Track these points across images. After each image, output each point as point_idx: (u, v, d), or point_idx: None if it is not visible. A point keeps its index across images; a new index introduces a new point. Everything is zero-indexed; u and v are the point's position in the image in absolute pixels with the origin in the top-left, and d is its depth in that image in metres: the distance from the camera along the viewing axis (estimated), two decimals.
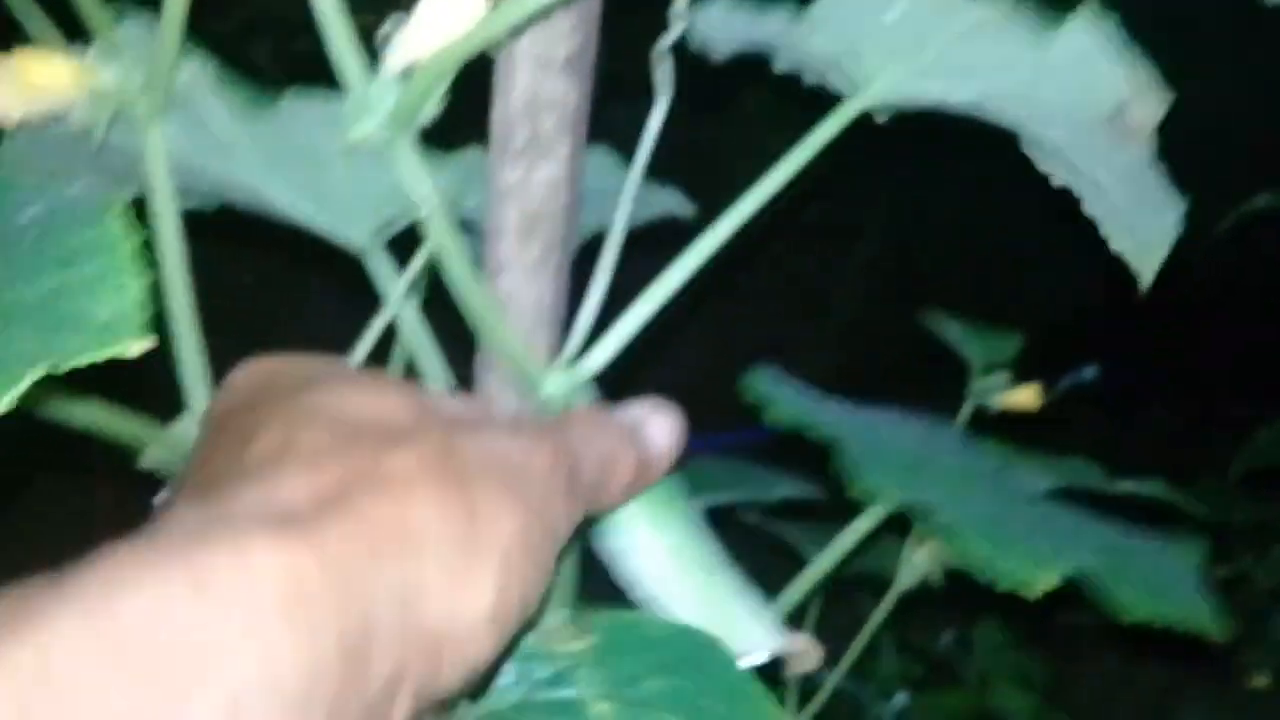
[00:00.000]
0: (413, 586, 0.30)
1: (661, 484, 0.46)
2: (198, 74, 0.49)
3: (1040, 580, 0.46)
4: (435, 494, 0.32)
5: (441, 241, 0.45)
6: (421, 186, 0.45)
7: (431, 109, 0.44)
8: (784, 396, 0.57)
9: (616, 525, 0.46)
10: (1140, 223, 0.47)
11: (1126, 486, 0.80)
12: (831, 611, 0.93)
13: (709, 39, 0.56)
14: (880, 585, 0.93)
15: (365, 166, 0.52)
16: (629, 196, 0.48)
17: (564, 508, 0.37)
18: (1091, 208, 0.50)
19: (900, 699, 1.31)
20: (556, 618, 0.48)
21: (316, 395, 0.36)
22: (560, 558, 0.37)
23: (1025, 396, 0.88)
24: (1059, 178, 0.50)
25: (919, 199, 2.12)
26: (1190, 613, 0.49)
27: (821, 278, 2.20)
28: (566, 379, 0.47)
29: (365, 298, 0.56)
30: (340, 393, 0.37)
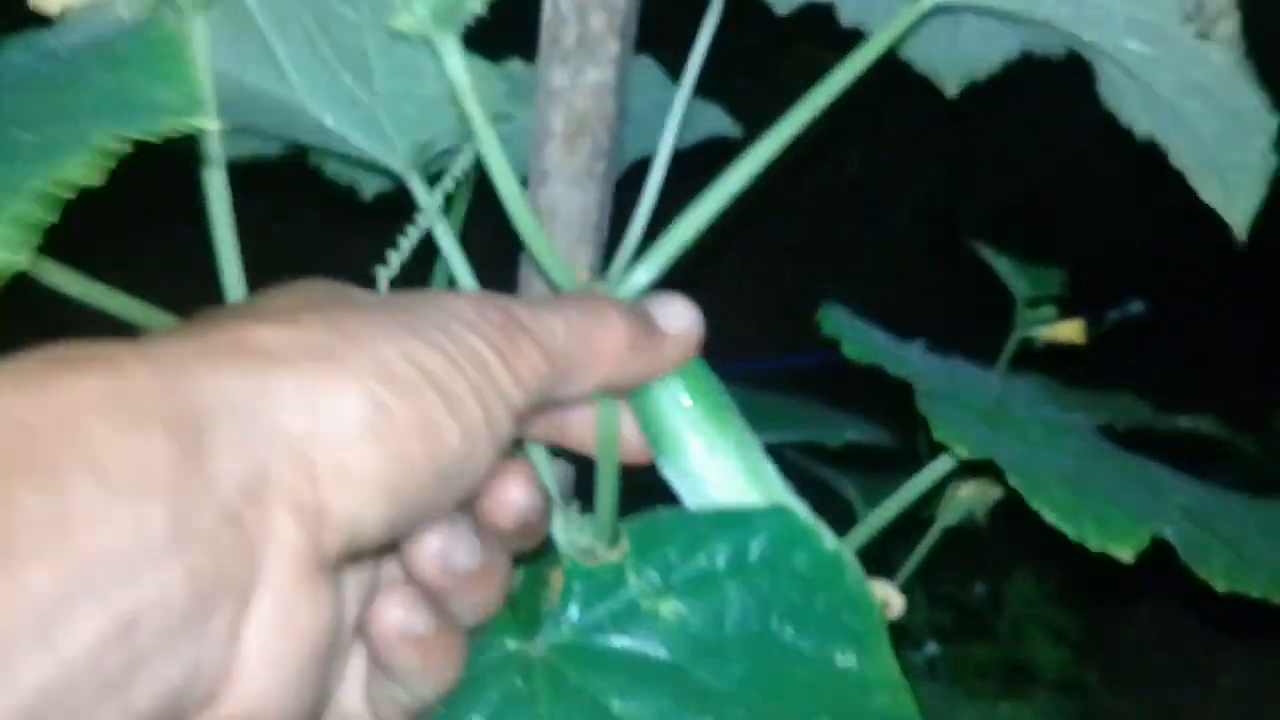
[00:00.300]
0: (259, 391, 0.30)
1: (714, 402, 0.44)
2: None
3: (1131, 542, 0.43)
4: (294, 317, 0.32)
5: (486, 145, 0.44)
6: (466, 83, 0.43)
7: (476, 4, 0.43)
8: (860, 333, 0.55)
9: (672, 447, 0.45)
10: (1227, 158, 0.45)
11: (1179, 423, 0.79)
12: (860, 556, 0.92)
13: None
14: (913, 528, 0.92)
15: (406, 78, 0.51)
16: (680, 105, 0.47)
17: (491, 351, 0.34)
18: (1174, 152, 0.47)
19: (930, 648, 1.30)
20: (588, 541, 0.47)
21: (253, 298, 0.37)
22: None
23: (1071, 330, 0.87)
24: (1139, 119, 0.48)
25: (963, 150, 2.09)
26: None
27: (867, 228, 2.18)
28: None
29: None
30: (273, 290, 0.36)
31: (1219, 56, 0.42)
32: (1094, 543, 0.43)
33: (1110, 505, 0.44)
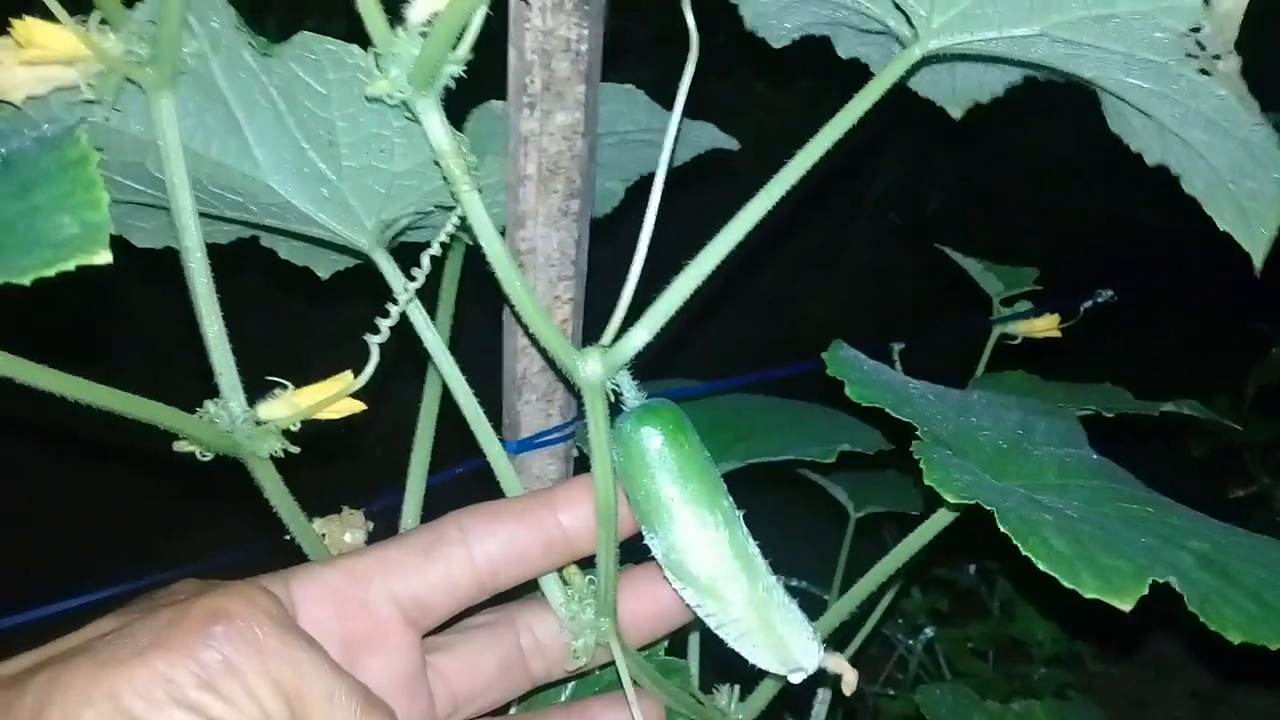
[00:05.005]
0: None
1: (705, 479, 0.44)
2: (211, 28, 0.46)
3: (1130, 590, 0.41)
4: None
5: (470, 207, 0.43)
6: (448, 146, 0.42)
7: (455, 66, 0.42)
8: (863, 375, 0.53)
9: (659, 521, 0.44)
10: (1240, 188, 0.44)
11: (1166, 407, 0.79)
12: (857, 547, 0.94)
13: (760, 22, 0.54)
14: (903, 519, 0.92)
15: (372, 155, 0.50)
16: (670, 137, 0.45)
17: None
18: (1187, 182, 0.46)
19: (927, 632, 1.31)
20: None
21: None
22: None
23: (1046, 324, 0.88)
24: (1150, 151, 0.47)
25: (927, 148, 2.10)
26: None
27: (831, 227, 2.19)
28: (606, 363, 0.43)
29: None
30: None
31: (1223, 91, 0.42)
32: (1090, 590, 0.41)
33: (1111, 553, 0.43)
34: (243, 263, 0.59)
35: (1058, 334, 0.89)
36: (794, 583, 0.91)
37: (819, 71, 0.56)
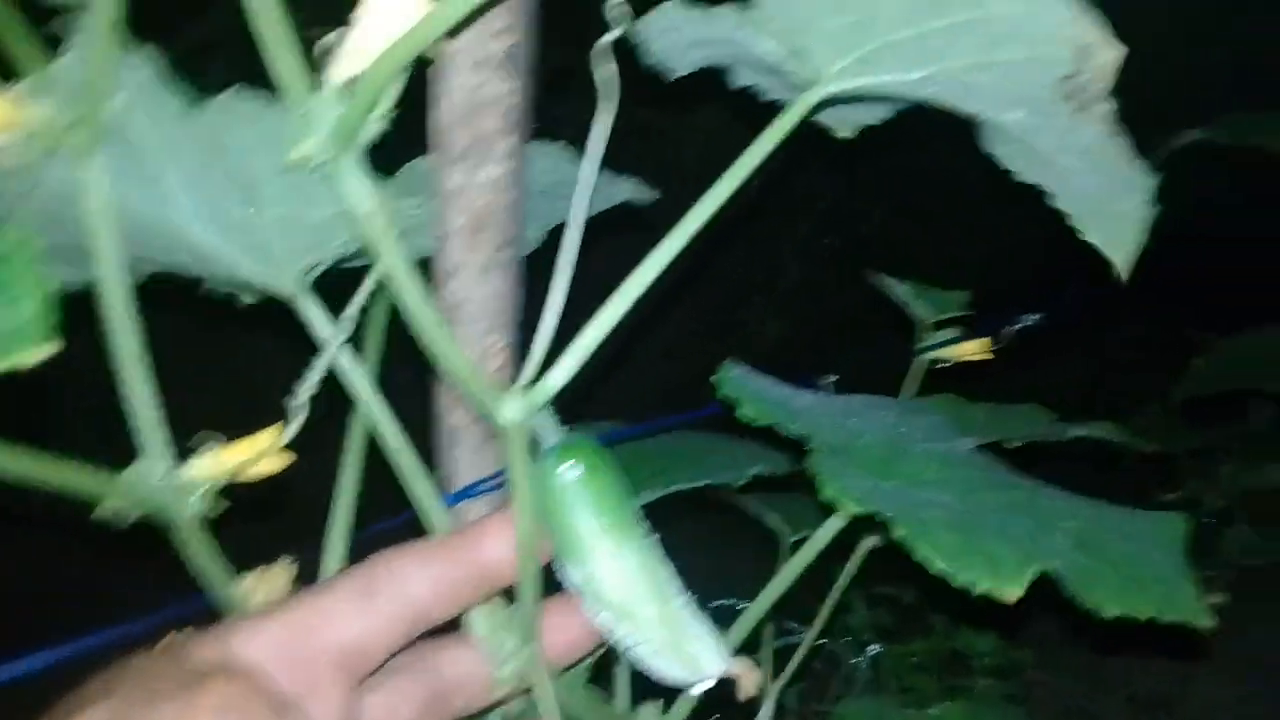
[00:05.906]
0: None
1: (621, 510, 0.46)
2: (136, 82, 0.47)
3: (1016, 581, 0.42)
4: None
5: (390, 264, 0.43)
6: (369, 208, 0.43)
7: (375, 125, 0.42)
8: (753, 394, 0.54)
9: (577, 552, 0.46)
10: (1109, 209, 0.47)
11: (1076, 431, 0.82)
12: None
13: (663, 55, 0.55)
14: (847, 539, 0.94)
15: (295, 202, 0.51)
16: (582, 198, 0.47)
17: None
18: (1059, 200, 0.49)
19: (873, 649, 1.34)
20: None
21: None
22: None
23: (976, 348, 0.90)
24: (1024, 172, 0.49)
25: (861, 170, 2.13)
26: (1170, 603, 0.45)
27: (768, 249, 2.20)
28: (524, 405, 0.45)
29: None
30: None
31: (1096, 128, 0.45)
32: (982, 586, 0.42)
33: (995, 539, 0.45)
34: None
35: (989, 356, 0.91)
36: (732, 603, 0.94)
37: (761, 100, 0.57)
